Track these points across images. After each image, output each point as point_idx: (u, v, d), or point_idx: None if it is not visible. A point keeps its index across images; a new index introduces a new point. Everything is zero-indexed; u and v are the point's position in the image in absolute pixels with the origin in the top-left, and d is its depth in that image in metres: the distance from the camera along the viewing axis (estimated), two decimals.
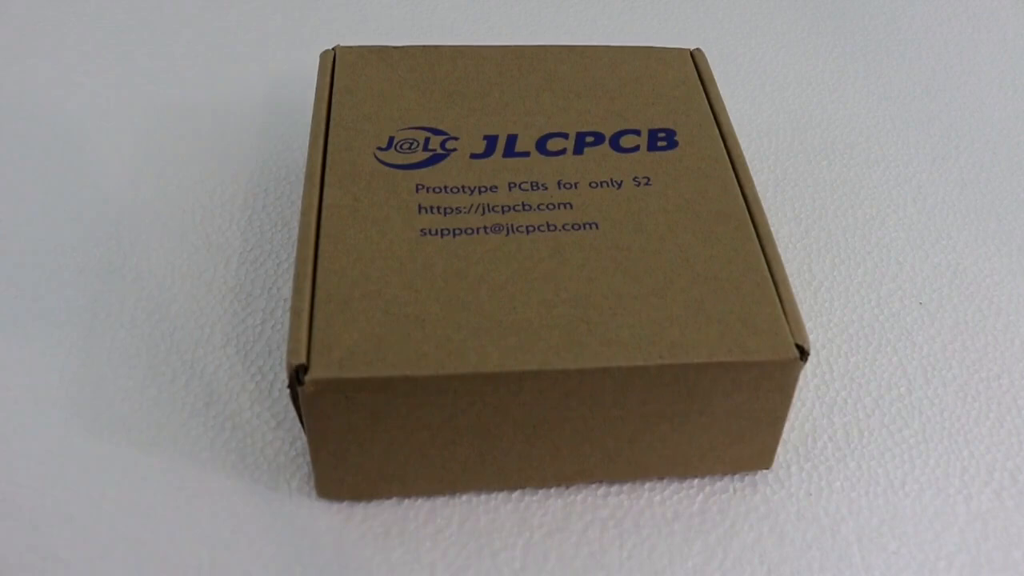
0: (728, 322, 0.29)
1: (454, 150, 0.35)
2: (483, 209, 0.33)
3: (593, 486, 0.33)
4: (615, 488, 0.33)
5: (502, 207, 0.33)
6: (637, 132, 0.36)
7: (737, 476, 0.33)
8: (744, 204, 0.34)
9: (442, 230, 0.32)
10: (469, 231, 0.32)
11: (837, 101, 0.52)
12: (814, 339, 0.38)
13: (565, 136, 0.36)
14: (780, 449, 0.33)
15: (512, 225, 0.32)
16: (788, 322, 0.30)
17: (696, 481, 0.33)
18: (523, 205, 0.33)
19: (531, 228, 0.32)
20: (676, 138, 0.36)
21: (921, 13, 0.59)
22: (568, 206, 0.33)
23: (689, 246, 0.32)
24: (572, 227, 0.32)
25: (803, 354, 0.29)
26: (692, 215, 0.33)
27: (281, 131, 0.47)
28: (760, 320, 0.30)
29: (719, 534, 0.32)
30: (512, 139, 0.36)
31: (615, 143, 0.36)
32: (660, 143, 0.36)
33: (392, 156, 0.35)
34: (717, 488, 0.33)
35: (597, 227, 0.32)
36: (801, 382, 0.30)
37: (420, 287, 0.30)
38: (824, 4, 0.60)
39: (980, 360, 0.38)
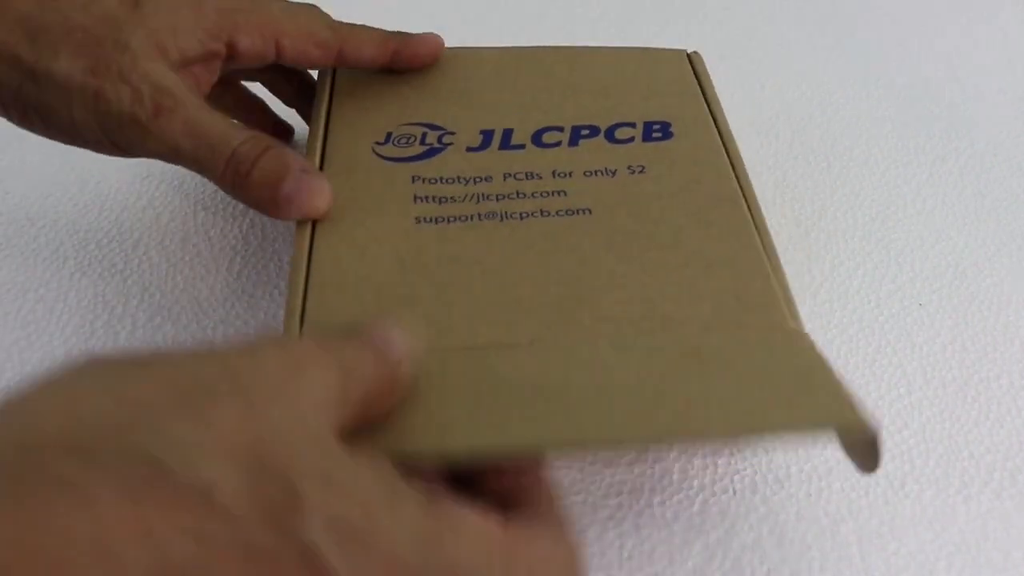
0: (721, 298, 0.30)
1: (450, 144, 0.35)
2: (477, 198, 0.33)
3: (593, 486, 0.33)
4: (615, 488, 0.33)
5: (496, 195, 0.33)
6: (632, 124, 0.37)
7: (737, 476, 0.34)
8: (739, 189, 0.34)
9: (436, 218, 0.32)
10: (463, 218, 0.32)
11: (837, 102, 0.52)
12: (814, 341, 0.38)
13: (560, 129, 0.36)
14: (780, 449, 0.33)
15: (506, 212, 0.33)
16: (782, 299, 0.30)
17: (696, 482, 0.33)
18: (517, 193, 0.33)
19: (524, 214, 0.32)
20: (671, 129, 0.36)
21: (921, 14, 0.59)
22: (562, 193, 0.33)
23: (682, 228, 0.32)
24: (565, 213, 0.33)
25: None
26: (686, 199, 0.33)
27: None
28: (753, 296, 0.30)
29: (719, 534, 0.32)
30: (508, 133, 0.36)
31: (610, 135, 0.36)
32: (655, 134, 0.36)
33: (390, 150, 0.35)
34: (717, 489, 0.33)
35: (590, 212, 0.33)
36: None
37: (412, 271, 0.30)
38: (824, 5, 0.60)
39: (980, 360, 0.38)
